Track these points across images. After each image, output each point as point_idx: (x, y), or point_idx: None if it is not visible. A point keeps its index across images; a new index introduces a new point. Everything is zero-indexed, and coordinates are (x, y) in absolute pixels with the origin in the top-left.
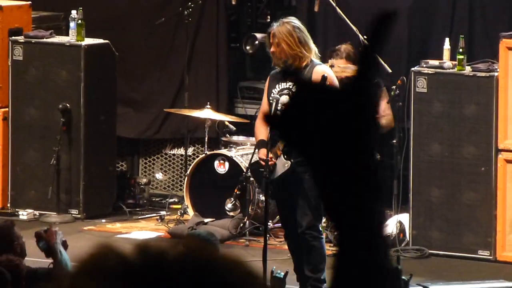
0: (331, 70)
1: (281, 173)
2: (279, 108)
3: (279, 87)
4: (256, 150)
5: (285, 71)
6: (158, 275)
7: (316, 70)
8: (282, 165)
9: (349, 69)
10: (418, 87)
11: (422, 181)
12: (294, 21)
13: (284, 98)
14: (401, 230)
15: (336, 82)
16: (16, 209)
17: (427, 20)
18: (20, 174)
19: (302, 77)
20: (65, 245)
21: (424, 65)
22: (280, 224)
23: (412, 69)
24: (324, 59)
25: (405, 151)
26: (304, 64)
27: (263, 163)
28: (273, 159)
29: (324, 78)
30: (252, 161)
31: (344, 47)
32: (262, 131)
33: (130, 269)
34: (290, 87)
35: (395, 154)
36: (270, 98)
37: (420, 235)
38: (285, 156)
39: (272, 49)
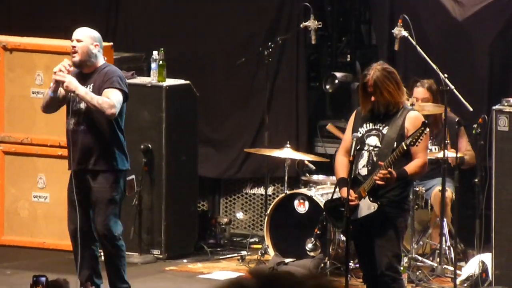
0: (422, 117)
1: (366, 214)
2: (365, 148)
3: (366, 127)
4: (337, 188)
5: None
6: None
7: (409, 116)
8: (367, 207)
9: (427, 107)
10: (499, 125)
11: (505, 220)
12: (386, 65)
13: (372, 140)
14: (484, 270)
15: (427, 130)
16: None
17: (508, 58)
18: None
19: None
20: None
21: (506, 103)
22: None
23: (494, 107)
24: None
25: (487, 190)
26: (396, 109)
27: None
28: (356, 200)
29: (425, 124)
30: (333, 198)
31: (427, 80)
32: (343, 167)
33: None
34: (380, 128)
35: (477, 193)
36: (352, 136)
37: (502, 275)
38: (371, 199)
39: (373, 99)
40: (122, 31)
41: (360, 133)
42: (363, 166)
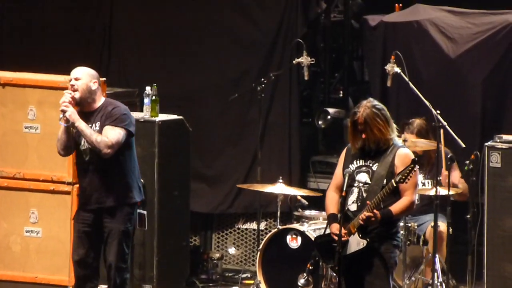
0: (412, 154)
1: (355, 250)
2: (355, 184)
3: (356, 163)
4: (327, 224)
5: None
6: None
7: (398, 153)
8: (357, 243)
9: (420, 143)
10: (492, 162)
11: (497, 256)
12: (376, 102)
13: (362, 177)
14: None
15: (416, 168)
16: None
17: (500, 94)
18: None
19: None
20: None
21: (498, 140)
22: None
23: (486, 144)
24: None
25: (479, 226)
26: (385, 147)
27: (335, 237)
28: (346, 236)
29: (414, 161)
30: (324, 233)
31: (417, 122)
32: (333, 203)
33: None
34: (370, 164)
35: (469, 229)
36: (344, 172)
37: None
38: (360, 235)
39: (363, 136)
40: (115, 67)
41: (351, 169)
42: (353, 202)
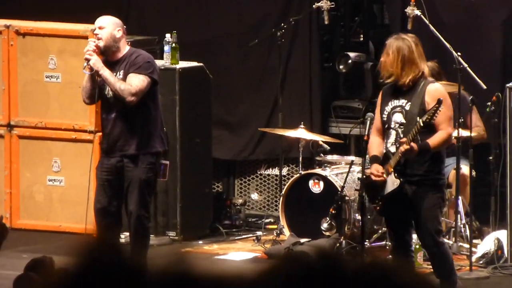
0: (443, 88)
1: (390, 190)
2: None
3: (391, 104)
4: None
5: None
6: (339, 281)
7: (428, 89)
8: (392, 182)
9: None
10: None
11: None
12: (410, 39)
13: (397, 117)
14: (499, 247)
15: (449, 101)
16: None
17: None
18: None
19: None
20: None
21: None
22: (378, 243)
23: (507, 85)
24: None
25: (501, 167)
26: (408, 81)
27: (373, 178)
28: (383, 176)
29: (439, 102)
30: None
31: (429, 65)
32: (373, 146)
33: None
34: (403, 104)
35: (491, 170)
36: (366, 115)
37: None
38: (395, 175)
39: (382, 58)
40: (134, 14)
41: (386, 110)
42: (392, 144)
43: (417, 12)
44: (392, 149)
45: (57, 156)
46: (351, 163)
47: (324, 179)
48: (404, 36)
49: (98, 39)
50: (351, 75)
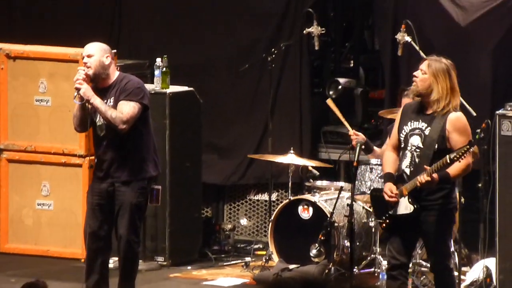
0: (464, 117)
1: (402, 213)
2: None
3: (411, 125)
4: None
5: None
6: None
7: (450, 117)
8: (405, 206)
9: None
10: (503, 130)
11: (509, 224)
12: (450, 65)
13: (415, 140)
14: (488, 275)
15: (469, 131)
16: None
17: (511, 62)
18: None
19: None
20: None
21: (509, 108)
22: (367, 270)
23: (497, 112)
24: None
25: (491, 194)
26: (445, 111)
27: (387, 198)
28: (397, 197)
29: (471, 143)
30: (380, 188)
31: (413, 88)
32: (388, 163)
33: None
34: (423, 128)
35: (481, 197)
36: (356, 141)
37: (507, 280)
38: (410, 200)
39: (420, 76)
40: (125, 38)
41: (404, 130)
42: (407, 166)
43: (408, 38)
44: (407, 171)
45: (46, 180)
46: (341, 189)
47: (314, 205)
48: (445, 60)
49: (87, 67)
50: (341, 100)
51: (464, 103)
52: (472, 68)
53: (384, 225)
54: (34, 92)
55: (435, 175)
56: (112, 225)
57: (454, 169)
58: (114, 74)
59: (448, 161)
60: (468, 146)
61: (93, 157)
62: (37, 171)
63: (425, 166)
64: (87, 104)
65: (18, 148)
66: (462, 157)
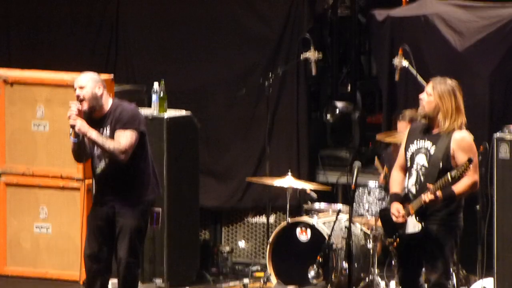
0: (469, 136)
1: (410, 232)
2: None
3: (417, 144)
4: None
5: None
6: None
7: (454, 136)
8: (413, 225)
9: None
10: (501, 153)
11: (506, 246)
12: (455, 85)
13: (420, 159)
14: None
15: (475, 149)
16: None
17: (508, 86)
18: None
19: None
20: None
21: (507, 131)
22: None
23: (495, 135)
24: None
25: (488, 216)
26: (449, 130)
27: (394, 219)
28: (404, 217)
29: (470, 161)
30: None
31: (408, 112)
32: (395, 183)
33: None
34: (428, 147)
35: (478, 219)
36: (354, 164)
37: None
38: (417, 218)
39: (426, 98)
40: (122, 64)
41: (411, 148)
42: (412, 185)
43: (405, 64)
44: (413, 189)
45: (44, 203)
46: (338, 212)
47: (311, 227)
48: (450, 81)
49: (80, 100)
50: (338, 124)
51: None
52: (469, 92)
53: (395, 244)
54: (32, 117)
55: (438, 193)
56: (112, 248)
57: (459, 187)
58: (108, 103)
59: (450, 179)
60: (468, 163)
61: (91, 181)
62: (35, 195)
63: (428, 184)
64: (84, 137)
65: (16, 172)
66: (463, 174)
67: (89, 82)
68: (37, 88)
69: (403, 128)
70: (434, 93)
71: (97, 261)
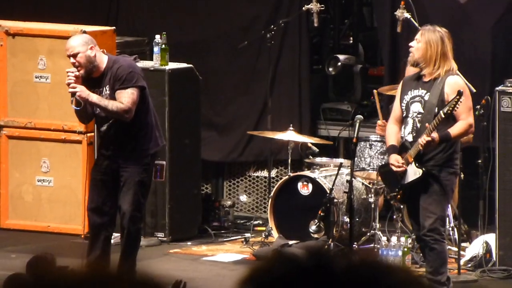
0: (462, 80)
1: (412, 180)
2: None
3: (411, 94)
4: (387, 154)
5: None
6: (329, 279)
7: (448, 81)
8: (413, 172)
9: None
10: (502, 106)
11: (508, 200)
12: (444, 33)
13: (415, 107)
14: (488, 250)
15: (468, 92)
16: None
17: (510, 39)
18: None
19: None
20: None
21: (509, 84)
22: (366, 245)
23: (497, 88)
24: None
25: (490, 170)
26: (435, 75)
27: (394, 168)
28: (404, 165)
29: (460, 93)
30: (385, 163)
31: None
32: (392, 135)
33: (303, 272)
34: (422, 94)
35: (480, 174)
36: (356, 118)
37: (506, 256)
38: (417, 164)
39: (414, 46)
40: (124, 16)
41: (405, 99)
42: (409, 133)
43: (407, 15)
44: (409, 138)
45: (46, 156)
46: (340, 165)
47: (313, 181)
48: (439, 29)
49: (76, 67)
50: (340, 77)
51: (464, 79)
52: (472, 45)
53: (398, 196)
54: (34, 69)
55: (435, 135)
56: (116, 202)
57: (454, 129)
58: (103, 60)
59: (443, 115)
60: (458, 97)
61: (92, 134)
62: (37, 147)
63: (426, 124)
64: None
65: (18, 125)
66: (455, 108)
67: (80, 47)
68: (39, 40)
69: (412, 72)
70: (422, 40)
71: (100, 215)
